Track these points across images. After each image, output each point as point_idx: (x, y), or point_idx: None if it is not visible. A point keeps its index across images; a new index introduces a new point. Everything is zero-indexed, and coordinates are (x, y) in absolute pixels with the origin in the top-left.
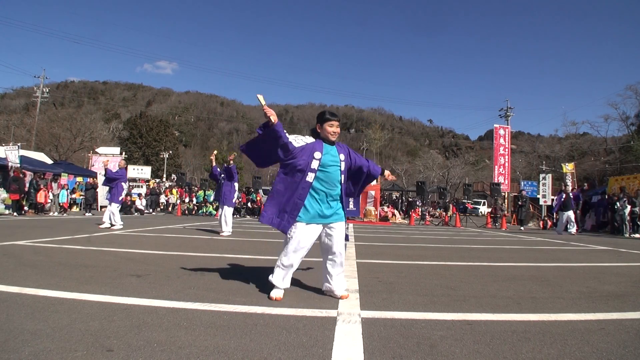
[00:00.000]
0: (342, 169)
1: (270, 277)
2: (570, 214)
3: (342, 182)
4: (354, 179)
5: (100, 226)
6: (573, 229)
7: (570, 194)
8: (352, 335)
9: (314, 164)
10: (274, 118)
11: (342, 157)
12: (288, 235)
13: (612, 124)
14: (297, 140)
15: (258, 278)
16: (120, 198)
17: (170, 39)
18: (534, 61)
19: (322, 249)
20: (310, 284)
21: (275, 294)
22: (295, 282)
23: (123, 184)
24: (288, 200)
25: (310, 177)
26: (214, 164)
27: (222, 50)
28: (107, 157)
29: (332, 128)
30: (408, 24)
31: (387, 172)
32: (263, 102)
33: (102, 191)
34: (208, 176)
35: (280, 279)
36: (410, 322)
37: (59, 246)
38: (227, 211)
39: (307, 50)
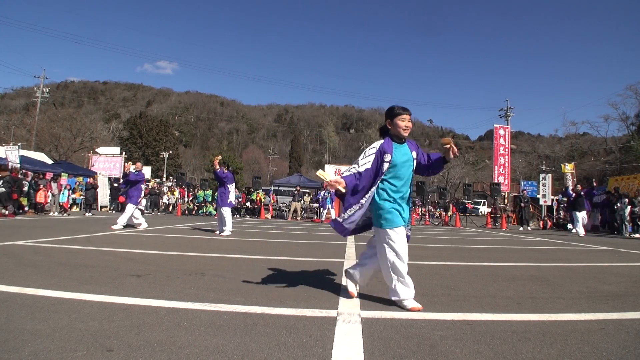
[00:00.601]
0: (414, 167)
1: (400, 297)
2: (584, 214)
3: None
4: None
5: (140, 227)
6: (575, 230)
7: (582, 192)
8: (352, 335)
9: (384, 167)
10: (342, 187)
11: (414, 154)
12: (389, 242)
13: (612, 124)
14: (366, 159)
15: (258, 278)
16: (139, 199)
17: (170, 39)
18: (534, 61)
19: (372, 246)
20: (310, 284)
21: (414, 304)
22: (295, 282)
23: (142, 185)
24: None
25: (379, 180)
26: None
27: (222, 50)
28: (128, 163)
29: (404, 122)
30: (408, 24)
31: (451, 152)
32: (327, 178)
33: (102, 191)
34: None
35: (409, 289)
36: (410, 322)
37: (59, 246)
38: (225, 212)
39: (307, 50)
